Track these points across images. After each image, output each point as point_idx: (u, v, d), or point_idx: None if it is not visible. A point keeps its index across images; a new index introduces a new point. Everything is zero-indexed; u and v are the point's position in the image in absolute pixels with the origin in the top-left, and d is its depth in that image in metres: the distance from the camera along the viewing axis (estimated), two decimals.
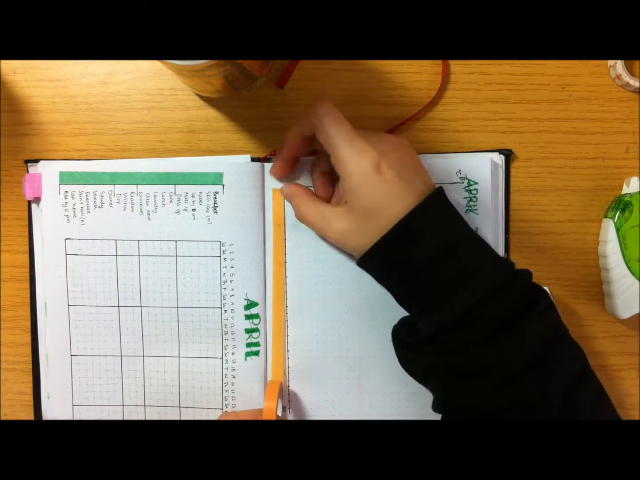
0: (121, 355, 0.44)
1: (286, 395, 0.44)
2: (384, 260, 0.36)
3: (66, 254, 0.43)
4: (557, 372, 0.33)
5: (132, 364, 0.44)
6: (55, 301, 0.44)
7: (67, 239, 0.43)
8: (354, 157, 0.35)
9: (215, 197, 0.43)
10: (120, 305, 0.44)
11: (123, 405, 0.44)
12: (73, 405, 0.44)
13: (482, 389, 0.34)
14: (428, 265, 0.34)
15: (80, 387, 0.44)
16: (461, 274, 0.34)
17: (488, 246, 0.36)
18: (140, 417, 0.44)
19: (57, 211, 0.43)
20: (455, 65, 0.45)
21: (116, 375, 0.44)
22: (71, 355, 0.44)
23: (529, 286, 0.35)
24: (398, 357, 0.38)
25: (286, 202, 0.43)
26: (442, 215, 0.36)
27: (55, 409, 0.45)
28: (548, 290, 0.37)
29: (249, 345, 0.44)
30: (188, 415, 0.44)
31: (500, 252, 0.44)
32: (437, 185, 0.37)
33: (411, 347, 0.37)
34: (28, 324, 0.45)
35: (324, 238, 0.42)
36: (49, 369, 0.44)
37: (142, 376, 0.44)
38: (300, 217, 0.41)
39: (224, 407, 0.44)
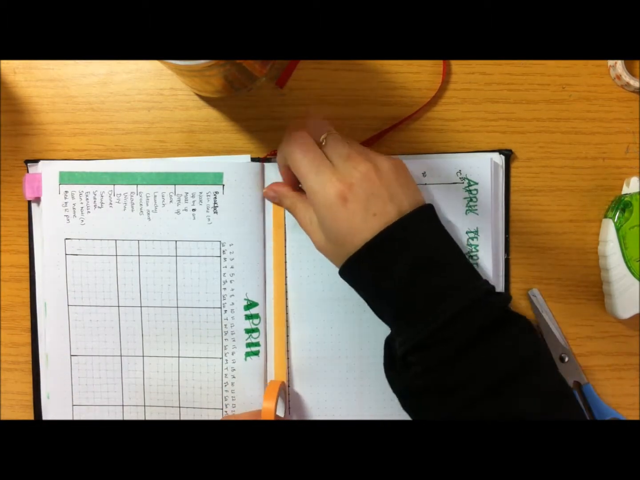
0: (121, 355, 0.44)
1: (288, 396, 0.44)
2: (355, 277, 0.37)
3: (66, 254, 0.43)
4: (532, 390, 0.33)
5: (132, 364, 0.44)
6: (55, 301, 0.44)
7: (67, 238, 0.43)
8: (319, 188, 0.36)
9: (215, 197, 0.43)
10: (120, 305, 0.44)
11: (123, 405, 0.44)
12: (73, 405, 0.44)
13: (457, 407, 0.33)
14: (400, 283, 0.34)
15: (80, 387, 0.44)
16: (431, 295, 0.34)
17: (466, 265, 0.36)
18: (140, 417, 0.44)
19: (57, 211, 0.43)
20: (455, 65, 0.45)
21: (116, 375, 0.44)
22: (71, 355, 0.44)
23: (500, 308, 0.35)
24: (386, 377, 0.38)
25: None
26: (418, 233, 0.35)
27: (55, 409, 0.45)
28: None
29: (248, 345, 0.44)
30: (188, 415, 0.44)
31: (500, 252, 0.44)
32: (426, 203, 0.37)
33: (392, 366, 0.37)
34: (28, 324, 0.45)
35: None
36: (48, 369, 0.44)
37: (142, 376, 0.44)
38: (291, 209, 0.41)
39: (224, 407, 0.44)
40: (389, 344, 0.37)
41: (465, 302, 0.33)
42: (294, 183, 0.40)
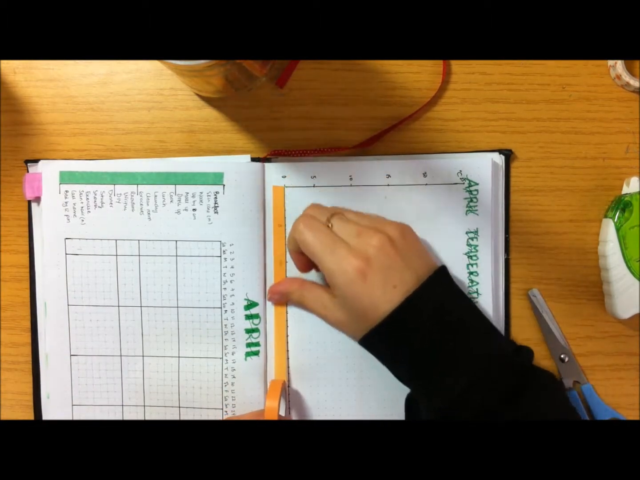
0: (121, 355, 0.44)
1: (288, 395, 0.44)
2: (376, 347, 0.38)
3: (66, 254, 0.43)
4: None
5: (132, 363, 0.44)
6: (55, 301, 0.44)
7: (67, 238, 0.43)
8: (337, 267, 0.36)
9: (215, 197, 0.43)
10: (120, 305, 0.44)
11: (123, 405, 0.44)
12: (73, 405, 0.44)
13: None
14: (420, 351, 0.35)
15: (80, 387, 0.44)
16: (452, 361, 0.35)
17: (486, 326, 0.37)
18: (140, 417, 0.44)
19: (57, 211, 0.43)
20: (455, 65, 0.45)
21: (116, 375, 0.44)
22: (71, 355, 0.44)
23: (522, 368, 0.35)
24: None
25: (286, 200, 0.44)
26: (437, 301, 0.36)
27: (54, 409, 0.44)
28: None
29: (249, 345, 0.44)
30: (187, 415, 0.44)
31: (500, 252, 0.44)
32: (439, 265, 0.38)
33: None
34: (28, 324, 0.45)
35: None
36: (48, 369, 0.44)
37: (142, 376, 0.44)
38: (298, 299, 0.41)
39: (224, 407, 0.44)
40: (409, 402, 0.39)
41: (487, 366, 0.34)
42: (308, 267, 0.41)
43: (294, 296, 0.42)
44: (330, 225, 0.38)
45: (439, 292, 0.36)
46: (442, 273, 0.37)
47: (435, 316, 0.35)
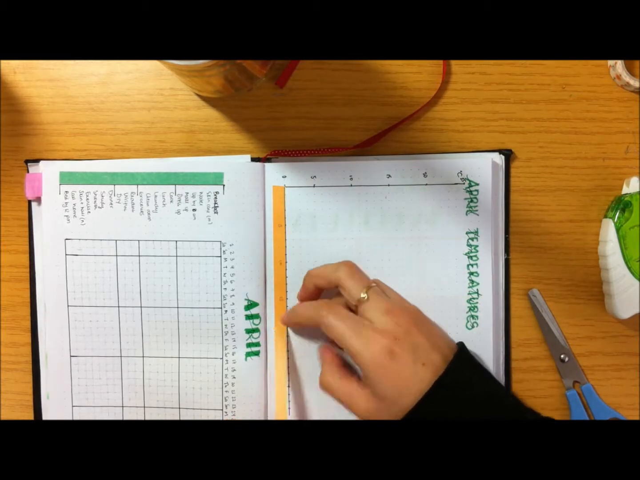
0: (121, 356, 0.44)
1: (288, 396, 0.44)
2: None
3: (66, 254, 0.43)
4: None
5: (132, 364, 0.44)
6: (54, 302, 0.44)
7: (67, 239, 0.43)
8: (363, 348, 0.36)
9: (215, 197, 0.43)
10: (120, 305, 0.44)
11: (122, 407, 0.44)
12: (73, 406, 0.44)
13: None
14: None
15: (79, 388, 0.44)
16: None
17: (510, 397, 0.39)
18: (140, 418, 0.44)
19: (57, 211, 0.43)
20: (455, 65, 0.45)
21: (116, 376, 0.44)
22: (70, 356, 0.44)
23: None
24: None
25: (286, 200, 0.44)
26: (466, 378, 0.37)
27: (54, 410, 0.44)
28: None
29: (249, 345, 0.44)
30: (187, 416, 0.44)
31: (500, 252, 0.44)
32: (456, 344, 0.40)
33: None
34: (28, 324, 0.45)
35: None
36: (48, 369, 0.44)
37: (142, 377, 0.44)
38: (325, 386, 0.41)
39: (224, 407, 0.44)
40: None
41: None
42: (312, 297, 0.43)
43: (326, 366, 0.41)
44: (364, 297, 0.38)
45: (465, 371, 0.37)
46: (463, 352, 0.38)
47: (465, 395, 0.36)
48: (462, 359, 0.38)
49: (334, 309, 0.39)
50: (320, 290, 0.42)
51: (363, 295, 0.38)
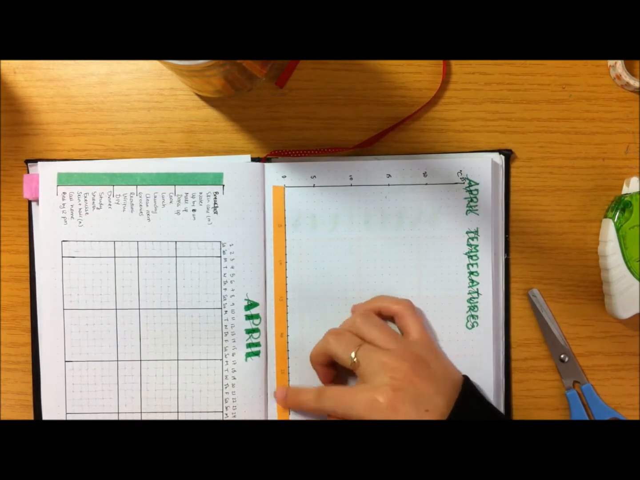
0: (117, 360, 0.43)
1: None
2: None
3: (62, 257, 0.43)
4: None
5: (129, 368, 0.43)
6: (50, 305, 0.43)
7: (63, 241, 0.43)
8: (367, 413, 0.36)
9: (215, 198, 0.43)
10: (117, 308, 0.43)
11: (118, 413, 0.43)
12: (67, 413, 0.43)
13: None
14: None
15: (74, 395, 0.43)
16: None
17: None
18: None
19: (54, 213, 0.43)
20: (456, 65, 0.45)
21: (112, 382, 0.43)
22: (65, 362, 0.43)
23: None
24: None
25: (286, 200, 0.43)
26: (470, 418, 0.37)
27: (47, 418, 0.43)
28: None
29: (249, 345, 0.44)
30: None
31: (500, 252, 0.44)
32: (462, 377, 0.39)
33: None
34: (28, 324, 0.45)
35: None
36: (41, 376, 0.43)
37: (139, 381, 0.43)
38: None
39: (224, 409, 0.44)
40: None
41: None
42: (331, 379, 0.42)
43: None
44: (356, 361, 0.38)
45: (469, 410, 0.37)
46: (468, 389, 0.38)
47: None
48: (465, 398, 0.37)
49: (327, 393, 0.39)
50: (330, 362, 0.41)
51: (354, 358, 0.39)
